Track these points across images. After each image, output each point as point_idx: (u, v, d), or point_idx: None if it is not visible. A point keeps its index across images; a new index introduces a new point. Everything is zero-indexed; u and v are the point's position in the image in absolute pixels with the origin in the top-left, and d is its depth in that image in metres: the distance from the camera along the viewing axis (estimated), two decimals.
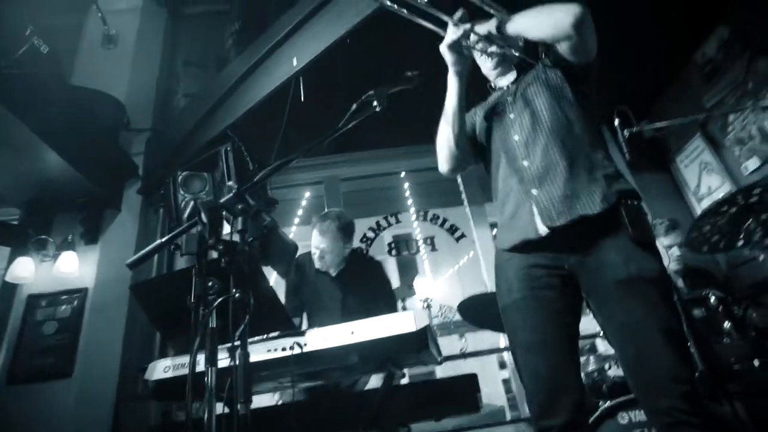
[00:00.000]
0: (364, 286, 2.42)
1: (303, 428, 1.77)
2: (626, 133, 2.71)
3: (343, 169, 4.17)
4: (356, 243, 3.82)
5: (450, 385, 1.98)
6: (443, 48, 1.42)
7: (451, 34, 1.40)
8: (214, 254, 1.25)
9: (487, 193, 2.44)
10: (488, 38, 1.46)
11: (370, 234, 3.99)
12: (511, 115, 1.48)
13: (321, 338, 1.75)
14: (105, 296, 2.88)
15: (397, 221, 4.09)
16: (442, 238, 4.12)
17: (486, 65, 1.60)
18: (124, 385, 2.63)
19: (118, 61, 3.55)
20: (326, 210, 2.54)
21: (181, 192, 3.07)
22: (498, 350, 3.25)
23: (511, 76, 1.59)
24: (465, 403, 1.92)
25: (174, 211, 3.04)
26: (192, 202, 2.74)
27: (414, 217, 4.24)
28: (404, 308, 3.48)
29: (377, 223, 4.04)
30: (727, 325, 1.93)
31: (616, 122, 2.77)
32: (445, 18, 1.41)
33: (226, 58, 3.36)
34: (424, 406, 1.92)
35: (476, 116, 1.65)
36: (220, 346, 1.19)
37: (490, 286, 3.69)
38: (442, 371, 2.97)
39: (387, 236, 4.18)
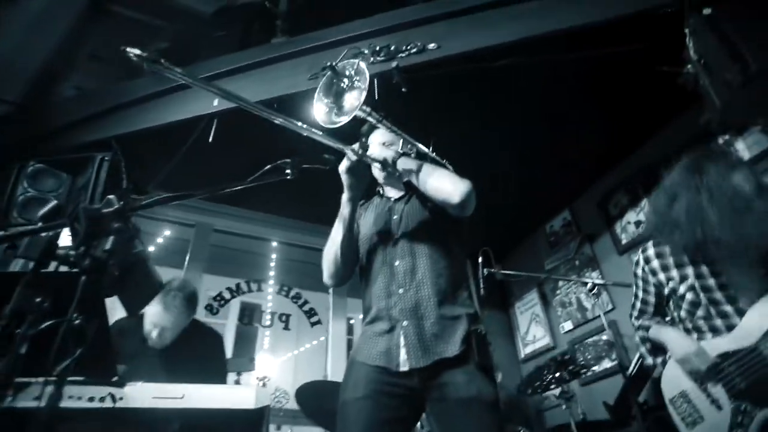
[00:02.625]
0: (194, 362, 2.16)
1: None
2: (485, 272, 3.13)
3: (217, 219, 3.97)
4: (209, 301, 3.55)
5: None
6: (341, 170, 1.52)
7: (350, 158, 1.49)
8: (63, 267, 1.08)
9: (352, 287, 2.51)
10: (382, 163, 1.59)
11: (227, 294, 3.73)
12: (396, 237, 1.57)
13: (143, 395, 1.53)
14: None
15: (259, 289, 3.92)
16: (298, 318, 4.02)
17: (378, 173, 1.70)
18: None
19: (11, 18, 3.10)
20: (166, 281, 2.29)
21: (25, 184, 2.62)
22: None
23: (400, 190, 1.71)
24: None
25: (5, 201, 2.55)
26: (55, 202, 2.34)
27: (275, 289, 4.10)
28: (237, 382, 3.20)
29: (237, 285, 3.82)
30: None
31: (480, 260, 3.20)
32: (344, 149, 1.50)
33: (141, 69, 3.16)
34: None
35: (362, 219, 1.73)
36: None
37: (331, 378, 3.62)
38: None
39: (239, 301, 3.94)
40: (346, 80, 1.53)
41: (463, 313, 1.45)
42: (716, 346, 1.55)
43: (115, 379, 1.54)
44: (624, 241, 3.38)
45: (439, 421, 1.33)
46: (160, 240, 4.33)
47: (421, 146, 1.80)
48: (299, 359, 8.90)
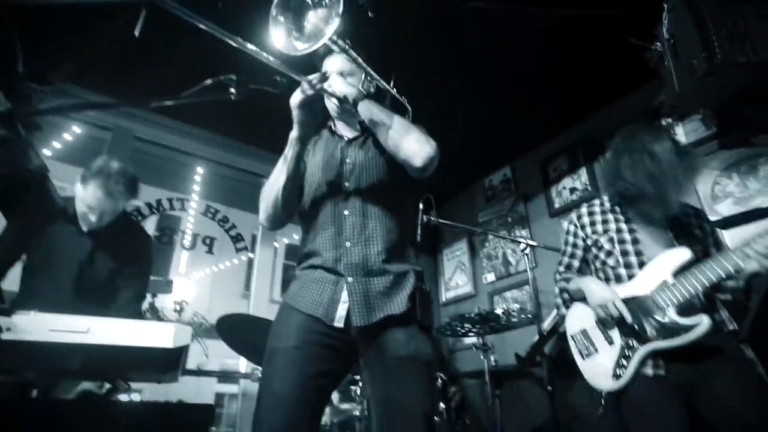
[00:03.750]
0: (120, 253, 2.05)
1: None
2: (425, 218, 3.11)
3: (139, 126, 3.53)
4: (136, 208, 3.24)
5: (181, 413, 1.73)
6: (293, 104, 1.34)
7: (305, 91, 1.33)
8: None
9: None
10: (341, 100, 1.43)
11: (146, 211, 3.42)
12: (348, 187, 1.45)
13: (37, 326, 1.34)
14: None
15: (182, 208, 3.63)
16: (222, 243, 3.83)
17: (332, 106, 1.54)
18: None
19: None
20: (102, 161, 2.07)
21: None
22: (244, 376, 3.08)
23: (354, 129, 1.58)
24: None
25: None
26: None
27: (199, 210, 3.83)
28: (152, 305, 3.03)
29: (158, 201, 3.51)
30: (441, 406, 2.29)
31: (421, 206, 3.17)
32: (300, 79, 1.32)
33: None
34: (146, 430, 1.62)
35: (309, 156, 1.58)
36: None
37: (252, 309, 3.56)
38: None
39: (157, 218, 3.65)
40: None
41: (411, 270, 1.40)
42: (618, 292, 1.76)
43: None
44: (557, 205, 3.52)
45: (373, 376, 1.30)
46: (68, 137, 3.79)
47: (382, 82, 1.64)
48: (217, 278, 8.75)
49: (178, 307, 2.98)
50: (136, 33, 2.30)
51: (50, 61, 2.53)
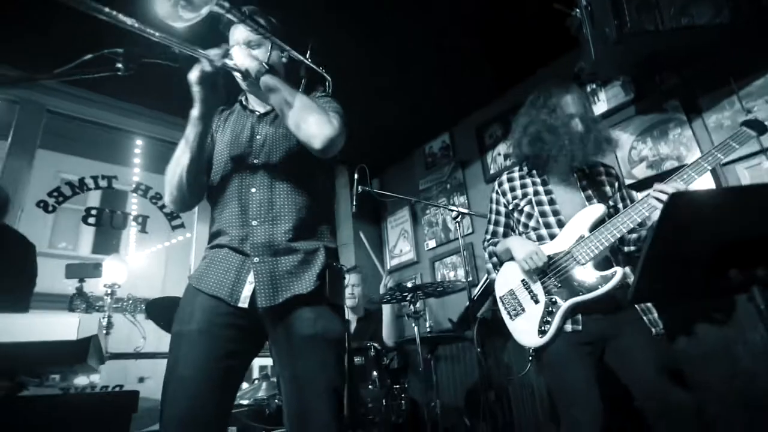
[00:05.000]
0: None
1: None
2: (359, 189, 3.10)
3: (50, 99, 3.26)
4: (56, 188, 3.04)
5: (102, 401, 1.68)
6: (191, 80, 1.26)
7: (203, 65, 1.25)
8: None
9: None
10: (243, 74, 1.34)
11: (67, 191, 3.21)
12: (256, 162, 1.40)
13: None
14: None
15: (109, 186, 3.42)
16: (157, 221, 3.67)
17: (239, 79, 1.43)
18: None
19: None
20: None
21: None
22: None
23: (267, 104, 1.48)
24: (113, 423, 1.67)
25: None
26: None
27: (130, 188, 3.65)
28: (80, 290, 2.90)
29: (93, 178, 3.30)
30: (374, 373, 2.35)
31: (355, 176, 3.15)
32: (196, 55, 1.22)
33: None
34: (60, 423, 1.57)
35: (218, 132, 1.52)
36: None
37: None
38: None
39: (94, 196, 3.45)
40: None
41: (321, 246, 1.37)
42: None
43: None
44: (492, 171, 3.60)
45: (281, 355, 1.29)
46: None
47: (294, 52, 1.56)
48: (170, 251, 8.45)
49: (108, 290, 2.85)
50: None
51: None
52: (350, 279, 3.29)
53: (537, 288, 1.84)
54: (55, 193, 3.25)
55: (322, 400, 1.22)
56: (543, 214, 1.91)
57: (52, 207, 3.22)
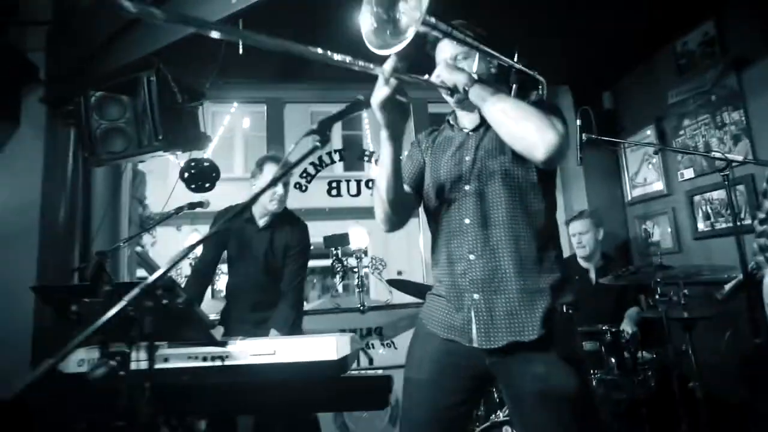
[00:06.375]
0: (287, 241, 2.49)
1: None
2: (584, 137, 2.65)
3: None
4: (296, 178, 3.68)
5: (362, 383, 2.06)
6: (373, 105, 1.17)
7: (381, 89, 1.14)
8: None
9: None
10: (451, 90, 1.28)
11: (311, 170, 3.81)
12: (467, 187, 1.33)
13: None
14: (7, 227, 2.60)
15: (333, 161, 3.89)
16: None
17: (448, 98, 1.37)
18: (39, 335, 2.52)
19: None
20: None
21: (95, 116, 2.66)
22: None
23: (475, 117, 1.40)
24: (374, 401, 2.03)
25: (88, 137, 2.66)
26: None
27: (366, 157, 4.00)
28: (337, 258, 3.52)
29: (320, 159, 3.84)
30: (612, 360, 2.16)
31: (578, 123, 2.70)
32: (373, 71, 1.11)
33: None
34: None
35: (428, 155, 1.47)
36: None
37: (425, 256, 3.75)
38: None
39: (327, 174, 4.01)
40: None
41: (547, 286, 1.26)
42: None
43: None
44: None
45: (514, 411, 1.32)
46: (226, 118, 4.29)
47: (503, 58, 1.37)
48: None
49: (358, 255, 3.37)
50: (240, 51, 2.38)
51: (196, 78, 2.83)
52: (574, 227, 2.98)
53: None
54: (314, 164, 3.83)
55: None
56: None
57: (309, 178, 3.84)
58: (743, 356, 2.29)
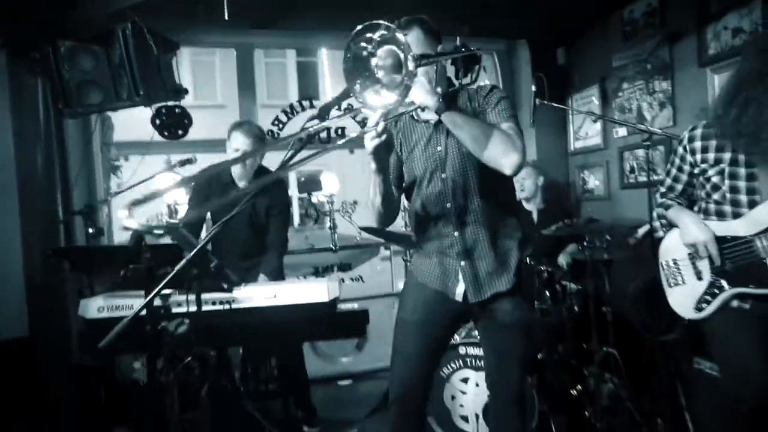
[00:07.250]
0: (268, 200, 2.69)
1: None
2: (537, 102, 2.97)
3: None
4: (269, 126, 3.79)
5: (346, 317, 2.43)
6: (368, 151, 1.39)
7: (374, 140, 1.35)
8: None
9: None
10: (421, 108, 1.49)
11: (283, 117, 3.92)
12: (443, 175, 1.60)
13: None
14: None
15: (311, 105, 4.01)
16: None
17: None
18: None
19: None
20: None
21: (66, 68, 2.63)
22: None
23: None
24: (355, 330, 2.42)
25: (61, 89, 2.65)
26: None
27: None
28: (309, 200, 3.77)
29: (291, 106, 3.94)
30: (547, 293, 2.67)
31: (533, 89, 3.00)
32: (367, 133, 1.33)
33: None
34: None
35: (402, 145, 1.70)
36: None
37: None
38: None
39: (299, 121, 4.13)
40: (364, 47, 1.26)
41: (514, 246, 1.65)
42: (716, 228, 1.74)
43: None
44: (711, 51, 2.90)
45: (485, 336, 1.75)
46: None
47: (451, 54, 1.60)
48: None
49: (328, 200, 3.64)
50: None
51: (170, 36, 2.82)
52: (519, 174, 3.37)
53: (703, 265, 1.78)
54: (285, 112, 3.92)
55: (515, 368, 1.67)
56: (734, 189, 1.69)
57: (281, 125, 3.94)
58: (644, 288, 2.88)
